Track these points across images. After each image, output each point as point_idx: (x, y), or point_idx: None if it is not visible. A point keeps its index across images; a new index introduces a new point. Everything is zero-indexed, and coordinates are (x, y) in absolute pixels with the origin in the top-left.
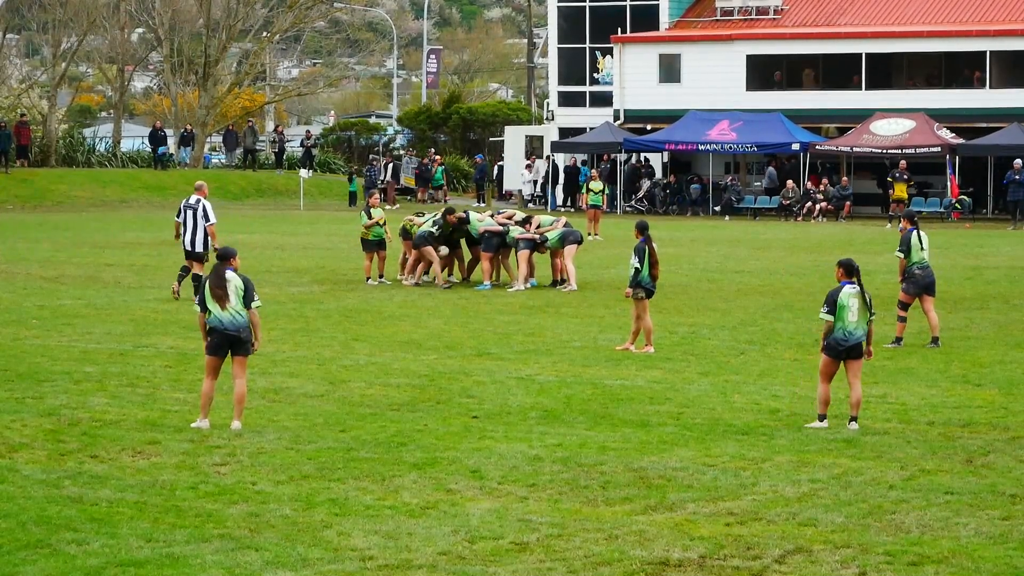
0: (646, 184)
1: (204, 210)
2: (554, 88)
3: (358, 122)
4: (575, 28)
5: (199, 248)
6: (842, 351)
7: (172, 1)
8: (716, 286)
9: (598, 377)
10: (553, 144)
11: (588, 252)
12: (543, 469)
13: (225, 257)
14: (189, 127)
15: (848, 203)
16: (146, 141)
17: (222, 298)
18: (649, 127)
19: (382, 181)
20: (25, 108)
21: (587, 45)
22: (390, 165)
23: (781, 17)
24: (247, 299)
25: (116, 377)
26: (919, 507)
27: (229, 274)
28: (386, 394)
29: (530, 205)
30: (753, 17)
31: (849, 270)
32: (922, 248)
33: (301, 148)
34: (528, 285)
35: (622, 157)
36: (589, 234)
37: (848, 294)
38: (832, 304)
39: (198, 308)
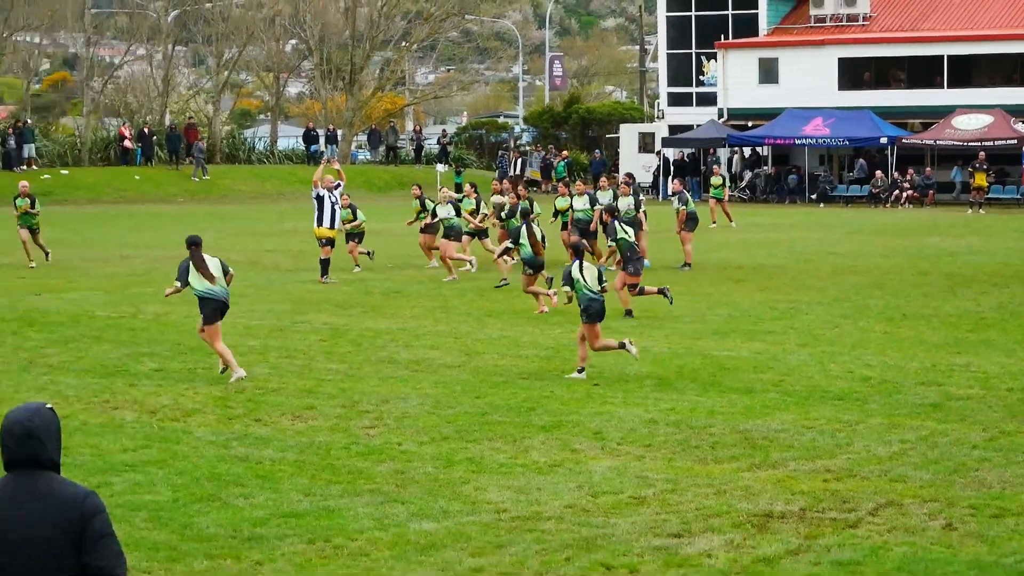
0: (748, 175)
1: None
2: (664, 89)
3: (488, 121)
4: (682, 35)
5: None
6: None
7: (322, 15)
8: (812, 267)
9: (707, 349)
10: (664, 140)
11: (701, 237)
12: (658, 431)
13: (195, 244)
14: (333, 127)
15: (932, 191)
16: (300, 140)
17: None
18: (750, 124)
19: (511, 175)
20: (192, 112)
21: (693, 50)
22: (518, 160)
23: (869, 23)
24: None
25: (276, 350)
26: (1000, 465)
27: (207, 257)
28: (516, 364)
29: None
30: (844, 24)
31: None
32: None
33: (437, 145)
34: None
35: (725, 152)
36: (712, 223)
37: None
38: None
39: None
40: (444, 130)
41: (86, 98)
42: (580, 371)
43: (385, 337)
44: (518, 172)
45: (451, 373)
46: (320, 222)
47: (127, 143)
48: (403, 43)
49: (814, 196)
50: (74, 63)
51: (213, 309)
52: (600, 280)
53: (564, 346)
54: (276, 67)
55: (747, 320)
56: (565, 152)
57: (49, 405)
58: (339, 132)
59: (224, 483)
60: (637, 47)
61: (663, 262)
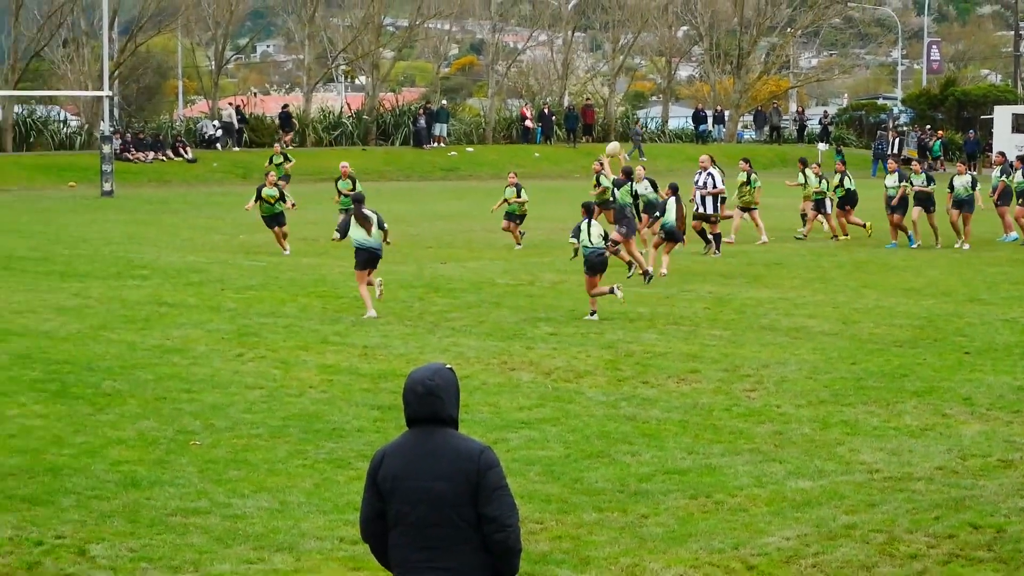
0: None
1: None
2: None
3: (867, 103)
4: None
5: (708, 210)
6: None
7: (712, 3)
8: None
9: None
10: None
11: None
12: None
13: (359, 200)
14: (720, 108)
15: None
16: (689, 120)
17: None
18: None
19: (890, 153)
20: (589, 93)
21: None
22: (896, 140)
23: None
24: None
25: (663, 317)
26: None
27: (367, 211)
28: (890, 333)
29: None
30: None
31: None
32: None
33: (819, 125)
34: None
35: None
36: None
37: None
38: None
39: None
40: (825, 111)
41: (491, 81)
42: (592, 314)
43: (766, 306)
44: (895, 151)
45: (828, 340)
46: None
47: (528, 123)
48: (788, 29)
49: None
50: (480, 48)
51: (365, 258)
52: (605, 238)
53: (938, 316)
54: (668, 52)
55: None
56: (940, 132)
57: (449, 365)
58: (726, 113)
59: (613, 440)
60: (1012, 32)
61: None
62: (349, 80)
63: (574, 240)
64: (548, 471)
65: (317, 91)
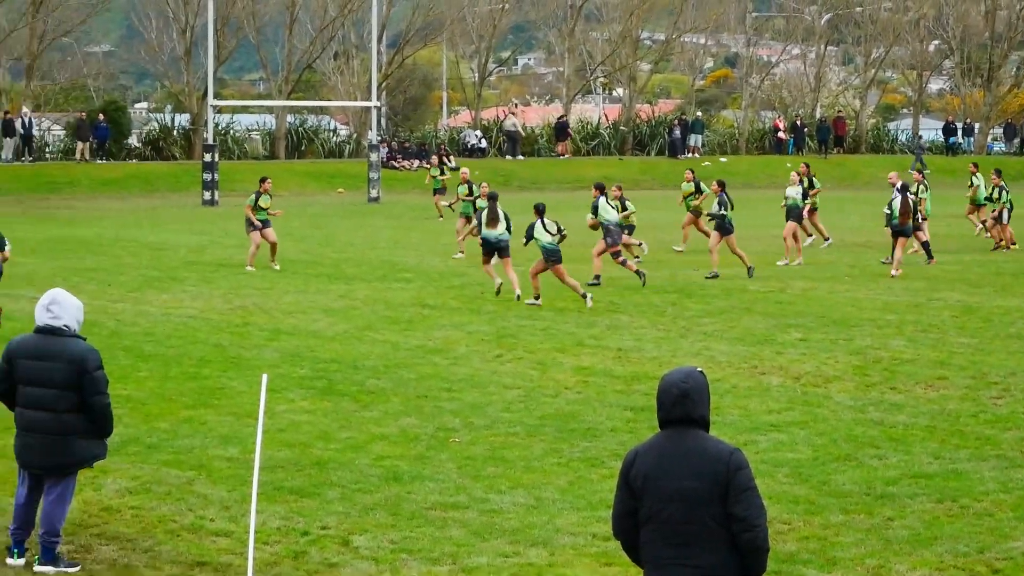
0: None
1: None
2: None
3: None
4: None
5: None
6: None
7: (963, 17)
8: None
9: None
10: None
11: None
12: None
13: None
14: (970, 120)
15: None
16: (939, 132)
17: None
18: None
19: None
20: (841, 106)
21: None
22: None
23: None
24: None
25: (912, 324)
26: None
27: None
28: None
29: None
30: None
31: None
32: None
33: None
34: None
35: None
36: None
37: None
38: None
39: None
40: None
41: (745, 93)
42: (536, 299)
43: (1015, 314)
44: None
45: None
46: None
47: (780, 134)
48: None
49: None
50: (735, 61)
51: (493, 248)
52: (558, 230)
53: None
54: (919, 65)
55: None
56: None
57: (699, 369)
58: (976, 125)
59: (860, 444)
60: None
61: None
62: (607, 92)
63: (527, 240)
64: (796, 473)
65: (576, 102)
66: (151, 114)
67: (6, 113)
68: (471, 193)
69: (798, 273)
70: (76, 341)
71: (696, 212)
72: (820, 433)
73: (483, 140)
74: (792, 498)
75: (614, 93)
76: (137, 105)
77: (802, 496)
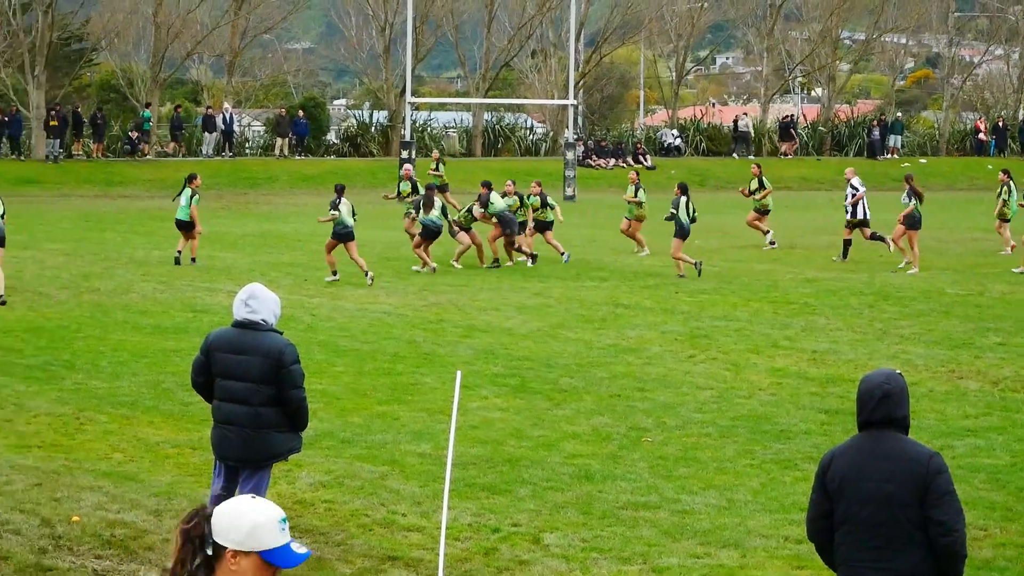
0: None
1: None
2: None
3: None
4: None
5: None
6: None
7: None
8: None
9: None
10: None
11: None
12: None
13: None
14: None
15: None
16: None
17: None
18: None
19: None
20: None
21: None
22: None
23: None
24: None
25: None
26: None
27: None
28: None
29: None
30: None
31: None
32: None
33: None
34: None
35: None
36: None
37: None
38: None
39: None
40: None
41: (946, 94)
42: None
43: None
44: None
45: None
46: None
47: (981, 136)
48: None
49: None
50: (936, 62)
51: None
52: (444, 213)
53: None
54: None
55: None
56: None
57: (898, 371)
58: None
59: None
60: None
61: None
62: (805, 91)
63: (414, 212)
64: (993, 479)
65: (773, 102)
66: (349, 111)
67: (208, 109)
68: (415, 191)
69: (998, 277)
70: (273, 335)
71: (760, 210)
72: (1019, 439)
73: (679, 139)
74: (989, 504)
75: (812, 93)
76: (336, 102)
77: (999, 502)
